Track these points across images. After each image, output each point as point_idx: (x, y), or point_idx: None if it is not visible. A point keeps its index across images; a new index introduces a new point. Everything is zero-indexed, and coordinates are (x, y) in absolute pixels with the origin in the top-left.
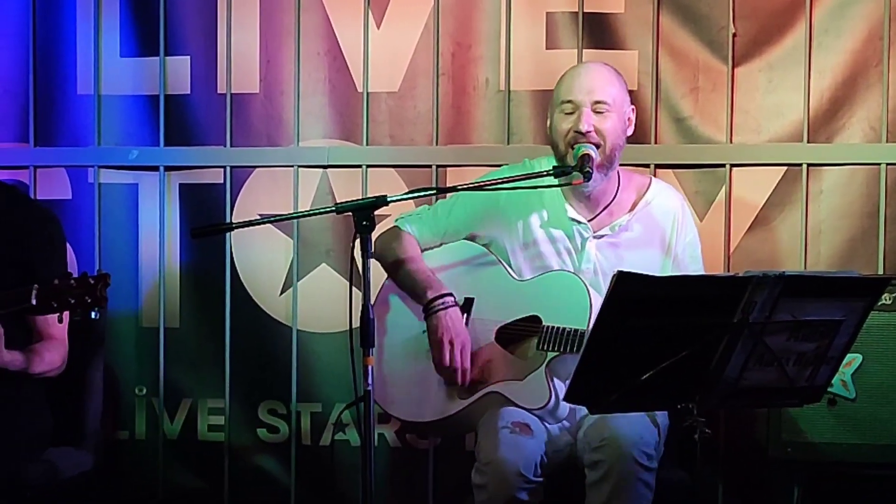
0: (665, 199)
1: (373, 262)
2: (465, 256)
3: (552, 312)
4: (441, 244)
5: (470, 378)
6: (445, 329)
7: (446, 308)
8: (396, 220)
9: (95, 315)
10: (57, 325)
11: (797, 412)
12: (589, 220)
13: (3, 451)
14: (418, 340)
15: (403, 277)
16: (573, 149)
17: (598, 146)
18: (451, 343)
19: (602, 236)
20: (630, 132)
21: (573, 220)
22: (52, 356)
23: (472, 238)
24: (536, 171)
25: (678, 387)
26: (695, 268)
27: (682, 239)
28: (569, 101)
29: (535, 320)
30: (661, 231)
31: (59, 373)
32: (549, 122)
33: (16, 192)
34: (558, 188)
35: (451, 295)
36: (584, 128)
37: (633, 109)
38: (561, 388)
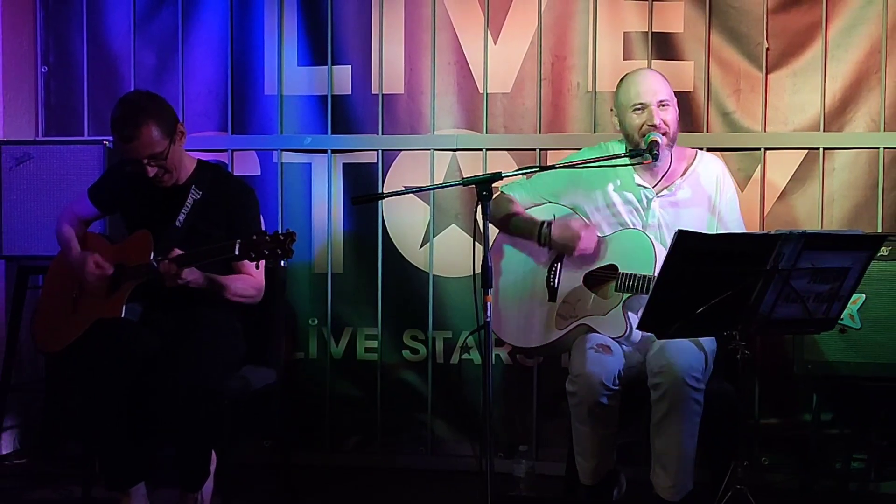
0: (708, 165)
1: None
2: (557, 216)
3: (626, 262)
4: (533, 206)
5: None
6: (566, 240)
7: (550, 230)
8: (501, 188)
9: (285, 264)
10: (253, 268)
11: (816, 338)
12: (652, 186)
13: (208, 369)
14: (525, 281)
15: (514, 225)
16: (644, 137)
17: (664, 134)
18: (580, 239)
19: (663, 196)
20: None
21: (640, 185)
22: (244, 284)
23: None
24: (610, 151)
25: (724, 318)
26: (734, 218)
27: (724, 196)
28: (640, 103)
29: (613, 268)
30: (707, 191)
31: (255, 302)
32: (617, 120)
33: (220, 169)
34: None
35: (545, 221)
36: (656, 122)
37: (676, 102)
38: (634, 320)
